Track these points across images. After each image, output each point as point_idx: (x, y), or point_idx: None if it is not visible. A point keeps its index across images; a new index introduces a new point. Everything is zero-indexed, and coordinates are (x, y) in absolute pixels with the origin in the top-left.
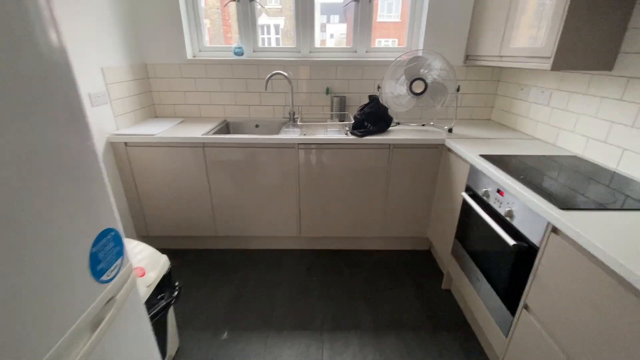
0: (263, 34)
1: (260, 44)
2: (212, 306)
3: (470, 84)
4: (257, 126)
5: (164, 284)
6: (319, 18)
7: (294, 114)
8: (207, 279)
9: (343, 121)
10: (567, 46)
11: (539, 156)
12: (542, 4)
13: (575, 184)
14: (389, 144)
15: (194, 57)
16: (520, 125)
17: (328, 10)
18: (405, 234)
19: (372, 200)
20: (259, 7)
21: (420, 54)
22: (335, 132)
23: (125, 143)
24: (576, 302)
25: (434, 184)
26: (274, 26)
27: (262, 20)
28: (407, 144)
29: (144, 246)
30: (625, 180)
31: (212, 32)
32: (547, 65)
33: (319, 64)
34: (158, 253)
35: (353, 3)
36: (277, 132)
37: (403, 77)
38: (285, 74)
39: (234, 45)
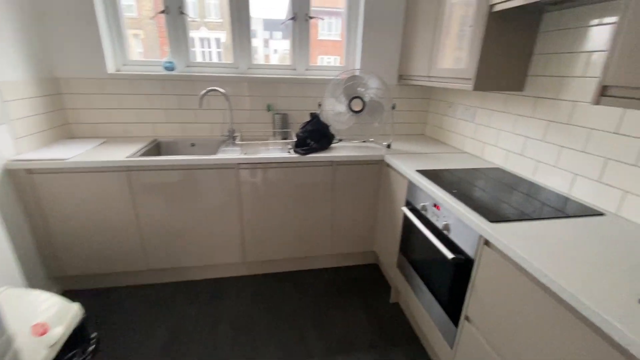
0: (204, 47)
1: (198, 59)
2: (144, 353)
3: (404, 101)
4: (193, 145)
5: (76, 339)
6: (262, 34)
7: (233, 132)
8: (139, 320)
9: (286, 139)
10: (485, 69)
11: (468, 169)
12: (462, 31)
13: (501, 195)
14: (332, 161)
15: (118, 71)
16: (451, 140)
17: (271, 26)
18: (353, 249)
19: (318, 218)
20: (190, 19)
21: (357, 73)
22: (278, 151)
23: (28, 170)
24: (510, 312)
25: (377, 199)
26: (215, 40)
27: (201, 33)
28: (349, 161)
29: (49, 296)
30: (541, 190)
31: (147, 44)
32: (470, 86)
33: (258, 80)
34: (67, 302)
35: (291, 21)
36: (216, 152)
37: (342, 96)
38: (222, 90)
39: (165, 59)
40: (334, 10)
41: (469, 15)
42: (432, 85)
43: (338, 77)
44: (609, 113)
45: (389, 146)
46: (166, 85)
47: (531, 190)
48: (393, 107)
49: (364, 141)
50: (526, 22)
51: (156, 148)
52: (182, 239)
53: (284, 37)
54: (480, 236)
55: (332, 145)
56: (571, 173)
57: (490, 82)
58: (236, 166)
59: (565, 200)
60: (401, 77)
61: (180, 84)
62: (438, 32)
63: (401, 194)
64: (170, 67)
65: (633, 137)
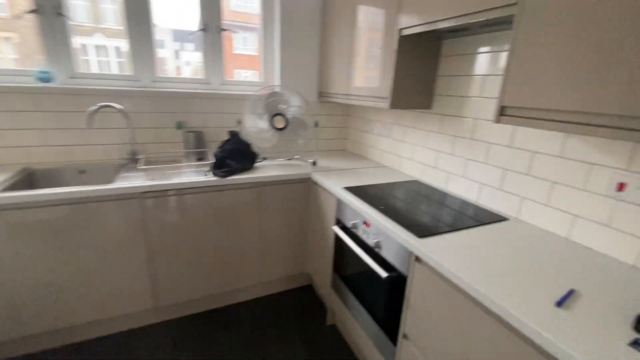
0: (100, 56)
1: (93, 69)
2: None
3: (326, 118)
4: (82, 172)
5: None
6: (171, 44)
7: (135, 154)
8: None
9: (202, 160)
10: (399, 89)
11: (391, 183)
12: (375, 52)
13: (424, 208)
14: (257, 182)
15: None
16: (372, 155)
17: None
18: (285, 273)
19: (245, 245)
20: (74, 23)
21: (277, 89)
22: (193, 174)
23: None
24: (446, 327)
25: (307, 219)
26: (115, 49)
27: (97, 40)
28: (275, 181)
29: None
30: (454, 200)
31: (23, 50)
32: (386, 104)
33: (165, 95)
34: None
35: (202, 33)
36: (113, 179)
37: (264, 112)
38: (118, 106)
39: (38, 69)
40: (249, 25)
41: (380, 38)
42: (351, 102)
43: (258, 93)
44: (504, 129)
45: (314, 163)
46: (42, 100)
47: (446, 200)
48: (316, 125)
49: (289, 159)
50: (430, 46)
51: (28, 178)
52: (68, 291)
53: (197, 49)
54: (411, 252)
55: (256, 164)
56: (478, 183)
57: (403, 101)
58: (140, 195)
59: (475, 208)
60: (321, 95)
61: (61, 99)
62: (354, 52)
63: (331, 213)
64: (45, 78)
65: (523, 149)
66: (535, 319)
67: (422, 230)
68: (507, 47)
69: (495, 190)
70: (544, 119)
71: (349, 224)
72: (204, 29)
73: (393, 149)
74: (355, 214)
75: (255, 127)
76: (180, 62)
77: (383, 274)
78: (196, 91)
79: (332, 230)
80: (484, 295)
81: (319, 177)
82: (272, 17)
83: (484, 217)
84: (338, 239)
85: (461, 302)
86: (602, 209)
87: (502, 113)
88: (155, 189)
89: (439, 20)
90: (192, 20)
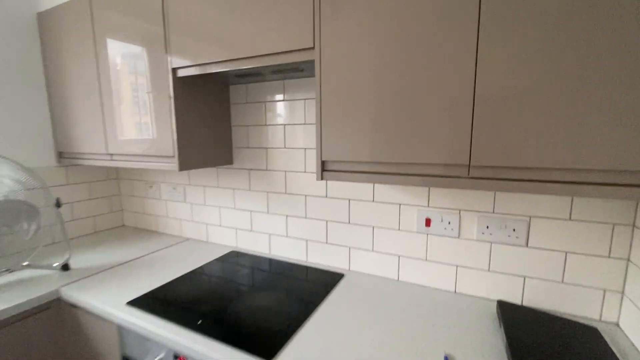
0: None
1: None
2: None
3: (79, 188)
4: None
5: None
6: None
7: None
8: None
9: None
10: (188, 144)
11: (203, 266)
12: (149, 101)
13: (255, 297)
14: None
15: None
16: (164, 227)
17: None
18: None
19: None
20: None
21: None
22: None
23: None
24: None
25: None
26: None
27: None
28: None
29: None
30: (287, 267)
31: None
32: (174, 165)
33: None
34: None
35: None
36: None
37: None
38: None
39: None
40: None
41: (149, 80)
42: (118, 165)
43: None
44: (317, 180)
45: (65, 267)
46: None
47: (276, 270)
48: (58, 205)
49: (9, 270)
50: (217, 92)
51: None
52: None
53: None
54: None
55: None
56: (303, 240)
57: (196, 158)
58: None
59: (309, 271)
60: (63, 156)
61: None
62: (115, 99)
63: (109, 350)
64: None
65: (340, 198)
66: None
67: (268, 345)
68: (306, 95)
69: (323, 244)
70: (364, 172)
71: None
72: None
73: (194, 215)
74: (157, 345)
75: None
76: None
77: None
78: None
79: None
80: None
81: (77, 294)
82: None
83: (323, 280)
84: None
85: None
86: (418, 245)
87: (325, 168)
88: None
89: (212, 63)
90: None
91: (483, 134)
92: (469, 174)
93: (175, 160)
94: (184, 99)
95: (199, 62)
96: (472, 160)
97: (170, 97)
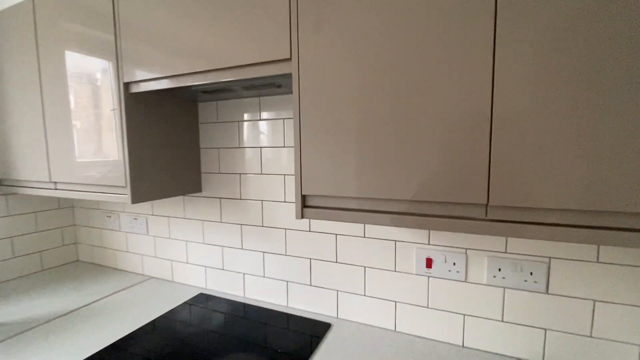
0: None
1: None
2: None
3: (23, 219)
4: None
5: None
6: None
7: None
8: None
9: None
10: (142, 172)
11: (164, 315)
12: (96, 121)
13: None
14: None
15: None
16: (124, 263)
17: None
18: None
19: None
20: None
21: None
22: None
23: None
24: None
25: None
26: None
27: None
28: None
29: None
30: (265, 315)
31: None
32: (125, 197)
33: None
34: None
35: None
36: None
37: None
38: None
39: None
40: None
41: (93, 95)
42: (62, 196)
43: None
44: (293, 209)
45: None
46: None
47: (252, 319)
48: None
49: None
50: (183, 110)
51: None
52: None
53: None
54: None
55: None
56: (283, 281)
57: (155, 188)
58: None
59: (291, 320)
60: (2, 183)
61: None
62: (56, 117)
63: None
64: None
65: (325, 233)
66: None
67: None
68: (287, 114)
69: (306, 287)
70: (354, 210)
71: None
72: None
73: (158, 251)
74: None
75: None
76: None
77: None
78: None
79: None
80: None
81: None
82: None
83: (307, 331)
84: None
85: None
86: (418, 290)
87: (306, 204)
88: None
89: (170, 77)
90: None
91: (505, 164)
92: (486, 215)
93: (128, 190)
94: (138, 118)
95: (155, 76)
96: (491, 199)
97: (121, 117)
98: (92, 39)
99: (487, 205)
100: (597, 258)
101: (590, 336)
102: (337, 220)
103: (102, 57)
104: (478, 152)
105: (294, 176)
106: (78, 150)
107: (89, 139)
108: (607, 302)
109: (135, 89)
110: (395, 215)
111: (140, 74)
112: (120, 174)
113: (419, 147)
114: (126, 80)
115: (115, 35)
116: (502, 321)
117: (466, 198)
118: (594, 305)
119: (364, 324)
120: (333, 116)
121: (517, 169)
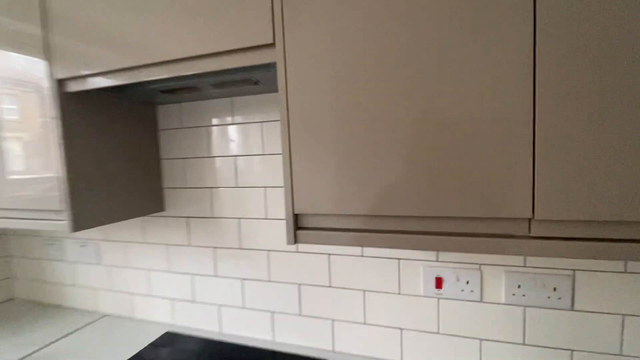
0: None
1: None
2: None
3: None
4: None
5: None
6: None
7: None
8: None
9: None
10: (85, 195)
11: None
12: (18, 129)
13: None
14: None
15: None
16: (72, 299)
17: None
18: None
19: None
20: None
21: None
22: None
23: None
24: None
25: None
26: None
27: None
28: None
29: None
30: (243, 353)
31: None
32: (63, 224)
33: None
34: None
35: None
36: None
37: None
38: None
39: None
40: None
41: (26, 99)
42: None
43: None
44: (280, 229)
45: None
46: None
47: (237, 358)
48: None
49: None
50: (138, 114)
51: None
52: None
53: None
54: None
55: None
56: (267, 312)
57: (103, 211)
58: None
59: (275, 356)
60: None
61: None
62: None
63: None
64: None
65: (316, 253)
66: None
67: None
68: (264, 116)
69: (296, 317)
70: (360, 230)
71: None
72: None
73: (113, 283)
74: None
75: None
76: None
77: None
78: None
79: None
80: None
81: None
82: None
83: None
84: None
85: None
86: (427, 314)
87: (299, 225)
88: None
89: (114, 72)
90: None
91: (554, 169)
92: (529, 232)
93: (67, 215)
94: (80, 124)
95: (96, 71)
96: (537, 213)
97: (57, 124)
98: (14, 30)
99: (531, 219)
100: (625, 268)
101: (621, 354)
102: (340, 245)
103: (28, 52)
104: (518, 150)
105: (275, 188)
106: (6, 167)
107: (17, 152)
108: (637, 315)
109: (72, 87)
110: (415, 236)
111: (76, 69)
112: (56, 194)
113: (447, 154)
114: (60, 76)
115: (42, 25)
116: (524, 344)
117: (506, 212)
118: (623, 320)
119: (366, 357)
120: (332, 116)
121: (565, 177)
